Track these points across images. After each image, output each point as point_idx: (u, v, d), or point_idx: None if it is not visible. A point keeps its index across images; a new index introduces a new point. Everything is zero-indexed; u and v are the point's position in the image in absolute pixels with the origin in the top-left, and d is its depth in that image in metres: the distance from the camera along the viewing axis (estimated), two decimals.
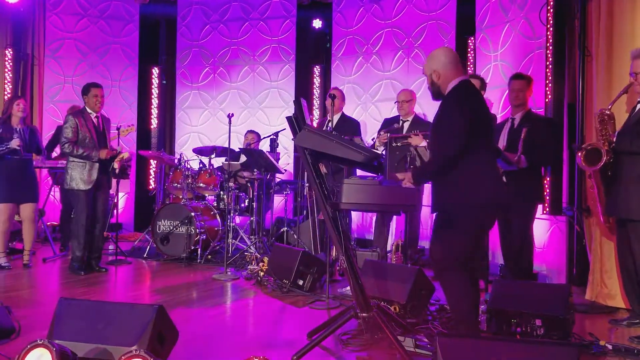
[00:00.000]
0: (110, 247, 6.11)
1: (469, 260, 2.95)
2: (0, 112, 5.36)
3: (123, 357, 2.14)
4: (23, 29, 7.83)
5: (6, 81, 7.65)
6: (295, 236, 5.84)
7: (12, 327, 3.08)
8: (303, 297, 4.33)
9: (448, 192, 2.94)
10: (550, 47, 4.54)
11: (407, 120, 5.47)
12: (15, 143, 5.07)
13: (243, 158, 6.43)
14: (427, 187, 5.09)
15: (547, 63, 4.56)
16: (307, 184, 5.90)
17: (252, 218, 6.16)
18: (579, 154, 3.76)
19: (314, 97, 7.80)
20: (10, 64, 7.64)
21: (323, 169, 3.60)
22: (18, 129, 5.22)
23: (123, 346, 2.35)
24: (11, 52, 7.65)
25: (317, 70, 7.79)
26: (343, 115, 6.02)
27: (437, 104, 3.06)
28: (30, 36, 7.85)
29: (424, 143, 4.79)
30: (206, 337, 3.33)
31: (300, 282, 4.49)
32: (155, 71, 8.32)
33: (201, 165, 6.26)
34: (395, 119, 5.56)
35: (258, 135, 6.78)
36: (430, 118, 6.23)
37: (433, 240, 3.03)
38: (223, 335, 3.40)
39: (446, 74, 2.98)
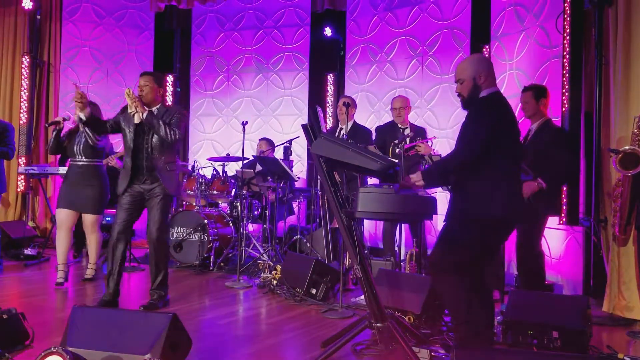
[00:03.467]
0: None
1: (474, 270, 2.89)
2: None
3: None
4: (39, 36, 7.93)
5: (22, 88, 7.74)
6: (308, 244, 5.82)
7: (27, 333, 3.09)
8: (316, 306, 4.30)
9: (460, 203, 2.90)
10: (567, 56, 4.49)
11: (407, 128, 5.39)
12: None
13: (257, 165, 6.43)
14: (442, 196, 5.04)
15: (564, 72, 4.51)
16: (320, 192, 5.87)
17: (265, 226, 6.15)
18: (615, 157, 3.70)
19: (327, 105, 7.80)
20: (27, 70, 7.73)
21: (337, 177, 3.57)
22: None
23: (136, 354, 2.34)
24: (28, 59, 7.74)
25: (330, 78, 7.79)
26: (355, 123, 6.00)
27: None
28: (47, 43, 7.95)
29: (432, 151, 4.76)
30: (219, 345, 3.31)
31: (314, 291, 4.47)
32: (170, 79, 8.37)
33: (214, 173, 6.27)
34: (392, 126, 5.48)
35: (272, 143, 6.78)
36: (430, 126, 6.24)
37: (436, 245, 2.98)
38: (236, 344, 3.38)
39: (488, 79, 2.93)
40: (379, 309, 3.07)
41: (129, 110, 3.98)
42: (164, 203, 4.03)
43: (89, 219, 4.91)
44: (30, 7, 7.68)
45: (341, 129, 5.50)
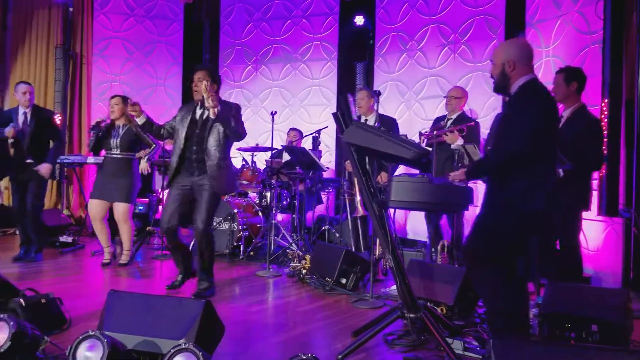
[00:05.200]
0: (156, 241, 6.20)
1: (512, 260, 2.83)
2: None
3: (172, 350, 2.13)
4: (72, 28, 8.04)
5: (56, 79, 7.86)
6: (337, 234, 5.80)
7: (64, 318, 3.14)
8: (346, 296, 4.28)
9: (502, 195, 2.82)
10: (607, 42, 4.35)
11: (451, 119, 5.29)
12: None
13: (286, 156, 6.42)
14: (479, 187, 4.94)
15: (604, 58, 4.37)
16: (346, 182, 5.82)
17: (293, 215, 6.15)
18: None
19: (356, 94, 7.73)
20: (60, 62, 7.85)
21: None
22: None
23: (171, 339, 2.35)
24: (61, 52, 7.85)
25: (359, 67, 7.71)
26: (379, 113, 5.96)
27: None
28: (79, 35, 8.06)
29: (460, 141, 4.62)
30: (250, 333, 3.32)
31: (343, 281, 4.45)
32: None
33: (244, 163, 6.29)
34: (444, 118, 5.40)
35: (300, 132, 6.76)
36: (482, 115, 6.11)
37: (472, 234, 2.90)
38: (267, 332, 3.38)
39: (520, 67, 2.84)
40: (411, 299, 3.03)
41: (206, 105, 3.97)
42: (211, 198, 4.03)
43: (119, 207, 5.04)
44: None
45: (366, 120, 5.42)
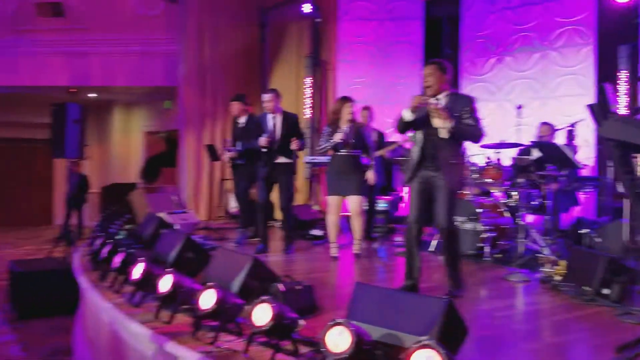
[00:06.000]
0: (398, 238, 6.30)
1: None
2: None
3: (414, 346, 2.08)
4: (319, 37, 8.70)
5: (306, 86, 8.60)
6: (599, 239, 5.13)
7: (315, 304, 3.35)
8: (608, 308, 3.73)
9: None
10: None
11: None
12: (338, 137, 5.22)
13: (535, 152, 5.94)
14: None
15: None
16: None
17: (546, 217, 5.65)
18: None
19: (618, 82, 6.79)
20: (310, 70, 8.56)
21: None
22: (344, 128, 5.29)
23: (413, 335, 2.30)
24: (310, 60, 8.56)
25: (623, 50, 6.74)
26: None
27: None
28: (326, 43, 8.67)
29: None
30: (496, 338, 3.10)
31: (606, 291, 3.89)
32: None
33: (488, 160, 5.99)
34: None
35: (552, 127, 6.18)
36: None
37: None
38: (515, 339, 3.13)
39: None
40: None
41: (435, 124, 3.88)
42: (448, 195, 3.89)
43: (353, 200, 5.25)
44: (309, 10, 8.46)
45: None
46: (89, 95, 12.12)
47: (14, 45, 10.14)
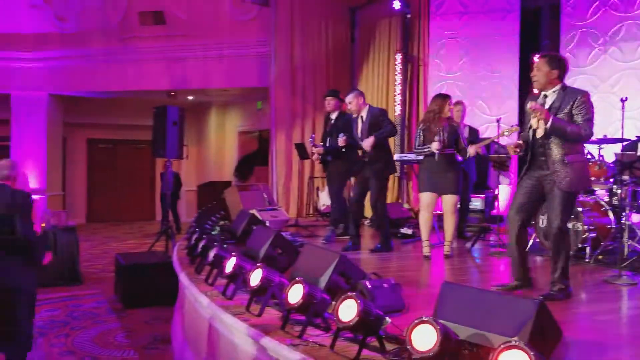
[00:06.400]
0: (492, 238, 6.10)
1: None
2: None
3: (502, 346, 2.01)
4: (409, 33, 8.59)
5: (396, 83, 8.51)
6: None
7: (402, 303, 3.32)
8: None
9: None
10: None
11: None
12: (434, 146, 5.09)
13: None
14: None
15: None
16: None
17: None
18: None
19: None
20: (400, 66, 8.46)
21: None
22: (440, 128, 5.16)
23: (502, 335, 2.22)
24: (400, 56, 8.46)
25: None
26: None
27: None
28: (416, 39, 8.54)
29: None
30: (597, 342, 2.91)
31: None
32: (536, 59, 7.95)
33: (589, 157, 5.64)
34: None
35: None
36: None
37: None
38: (620, 342, 2.93)
39: None
40: None
41: (534, 126, 3.78)
42: (560, 196, 3.68)
43: (448, 199, 5.17)
44: (399, 7, 8.37)
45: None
46: (187, 97, 12.77)
47: (122, 53, 10.90)
